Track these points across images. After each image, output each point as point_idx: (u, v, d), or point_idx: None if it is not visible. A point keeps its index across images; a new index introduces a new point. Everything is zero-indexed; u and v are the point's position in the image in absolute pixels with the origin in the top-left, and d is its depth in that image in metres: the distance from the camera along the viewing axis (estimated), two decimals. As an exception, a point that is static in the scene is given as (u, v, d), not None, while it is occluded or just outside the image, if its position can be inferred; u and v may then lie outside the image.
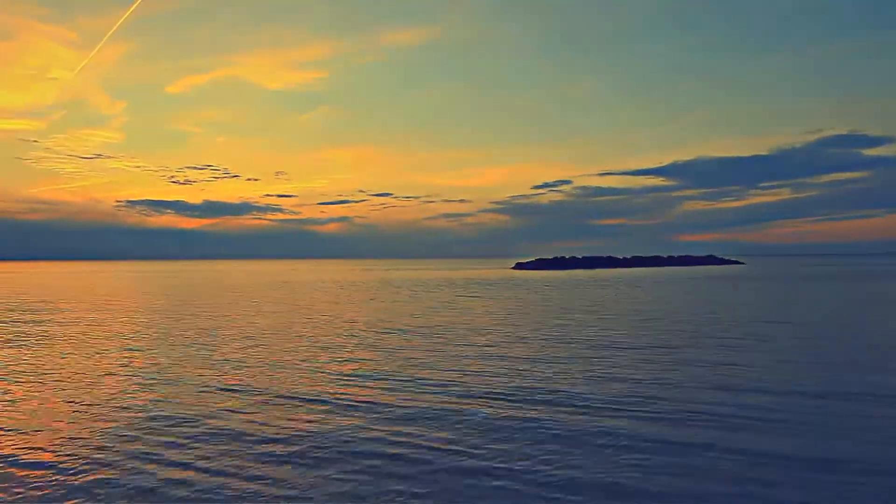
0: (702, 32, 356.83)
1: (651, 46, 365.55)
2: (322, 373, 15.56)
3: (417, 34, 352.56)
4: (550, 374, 15.03)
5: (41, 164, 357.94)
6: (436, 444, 9.49)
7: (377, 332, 23.69)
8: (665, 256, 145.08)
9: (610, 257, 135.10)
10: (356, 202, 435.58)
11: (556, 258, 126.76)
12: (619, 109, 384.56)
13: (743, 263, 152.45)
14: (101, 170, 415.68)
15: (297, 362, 17.11)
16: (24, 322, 28.61)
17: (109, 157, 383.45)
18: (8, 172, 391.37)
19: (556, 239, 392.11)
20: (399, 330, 24.52)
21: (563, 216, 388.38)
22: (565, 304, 36.32)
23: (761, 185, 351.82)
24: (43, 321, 28.91)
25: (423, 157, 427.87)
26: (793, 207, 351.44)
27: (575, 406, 11.81)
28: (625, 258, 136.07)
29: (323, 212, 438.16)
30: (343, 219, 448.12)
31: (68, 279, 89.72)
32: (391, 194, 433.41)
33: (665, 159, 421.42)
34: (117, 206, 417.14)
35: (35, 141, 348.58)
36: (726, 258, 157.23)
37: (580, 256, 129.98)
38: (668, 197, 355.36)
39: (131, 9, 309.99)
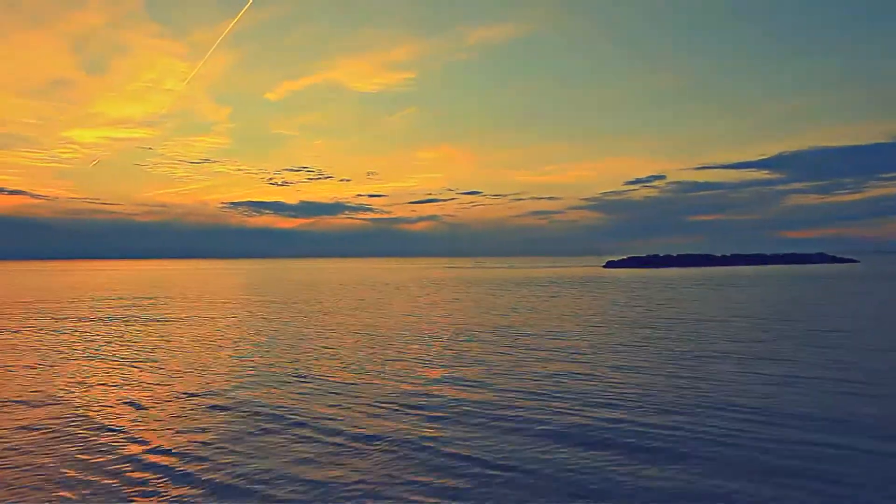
0: (809, 9, 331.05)
1: (751, 27, 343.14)
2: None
3: (504, 30, 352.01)
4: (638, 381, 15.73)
5: (156, 169, 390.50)
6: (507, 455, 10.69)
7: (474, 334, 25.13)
8: (769, 254, 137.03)
9: (707, 255, 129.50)
10: (445, 201, 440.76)
11: (649, 256, 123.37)
12: (717, 98, 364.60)
13: (857, 262, 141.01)
14: (208, 173, 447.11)
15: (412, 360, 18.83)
16: (153, 317, 32.57)
17: (215, 162, 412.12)
18: (128, 178, 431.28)
19: (649, 236, 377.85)
20: (495, 329, 25.85)
21: (657, 212, 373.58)
22: (657, 305, 36.18)
23: (881, 175, 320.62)
24: (186, 316, 32.79)
25: (512, 154, 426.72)
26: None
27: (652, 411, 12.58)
28: (723, 256, 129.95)
29: (413, 211, 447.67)
30: (432, 217, 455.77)
31: (195, 276, 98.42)
32: (480, 192, 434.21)
33: (769, 150, 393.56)
34: (222, 207, 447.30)
35: (150, 148, 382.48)
36: (839, 256, 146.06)
37: (675, 254, 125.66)
38: (771, 191, 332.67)
39: (234, 21, 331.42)
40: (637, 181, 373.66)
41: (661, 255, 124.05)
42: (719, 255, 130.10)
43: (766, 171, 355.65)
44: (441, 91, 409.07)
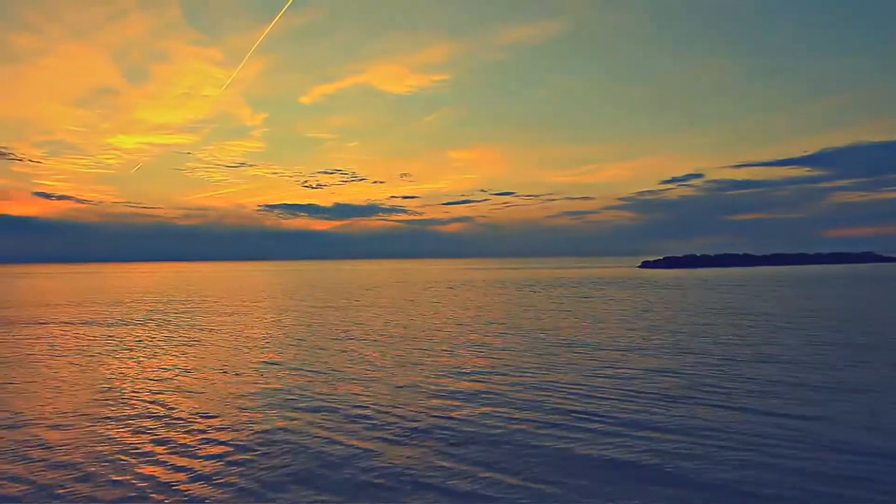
0: (853, 2, 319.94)
1: (791, 21, 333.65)
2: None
3: (536, 30, 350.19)
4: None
5: (194, 173, 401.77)
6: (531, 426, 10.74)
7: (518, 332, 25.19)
8: (812, 253, 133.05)
9: (746, 255, 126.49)
10: (478, 202, 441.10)
11: (686, 256, 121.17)
12: (756, 95, 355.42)
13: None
14: (244, 177, 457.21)
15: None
16: (198, 315, 33.50)
17: (251, 166, 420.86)
18: (168, 182, 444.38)
19: (686, 236, 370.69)
20: (529, 330, 25.87)
21: (694, 212, 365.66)
22: (695, 305, 35.60)
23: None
24: (233, 314, 33.67)
25: (545, 154, 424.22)
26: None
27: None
28: (764, 256, 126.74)
29: (446, 212, 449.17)
30: (465, 218, 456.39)
31: (232, 278, 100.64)
32: (513, 193, 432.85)
33: (811, 147, 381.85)
34: (258, 210, 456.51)
35: (189, 153, 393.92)
36: (888, 255, 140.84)
37: (712, 254, 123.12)
38: (814, 188, 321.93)
39: (268, 28, 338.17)
40: (673, 180, 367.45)
41: (699, 254, 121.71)
42: (759, 254, 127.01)
43: (809, 168, 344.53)
44: (474, 92, 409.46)
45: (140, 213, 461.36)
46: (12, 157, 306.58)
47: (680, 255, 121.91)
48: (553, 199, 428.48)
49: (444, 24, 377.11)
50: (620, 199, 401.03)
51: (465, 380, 15.13)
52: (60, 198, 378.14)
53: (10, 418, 12.00)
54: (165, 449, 10.03)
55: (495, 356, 18.52)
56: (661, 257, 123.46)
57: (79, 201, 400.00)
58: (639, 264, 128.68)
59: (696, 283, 61.50)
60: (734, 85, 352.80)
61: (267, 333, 25.14)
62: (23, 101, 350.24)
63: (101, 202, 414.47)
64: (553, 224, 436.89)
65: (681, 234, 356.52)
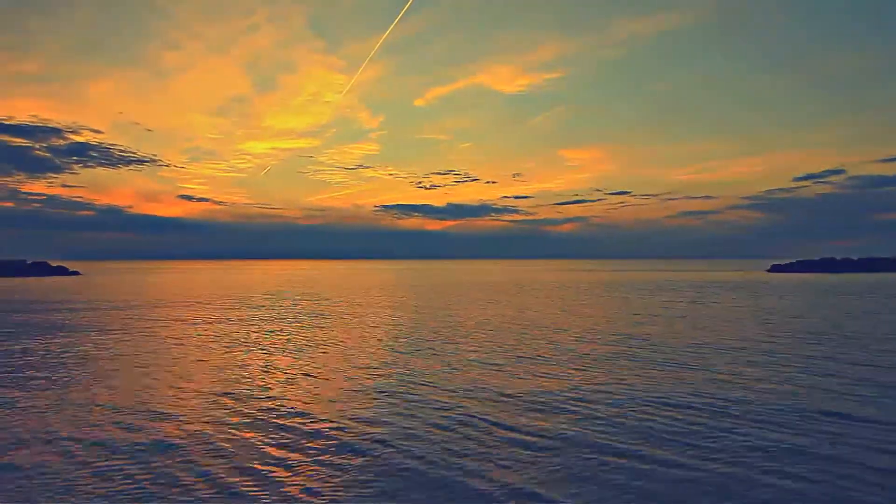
0: None
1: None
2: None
3: (653, 22, 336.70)
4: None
5: (316, 175, 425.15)
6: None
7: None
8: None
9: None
10: (593, 202, 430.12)
11: (822, 259, 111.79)
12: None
13: None
14: (362, 178, 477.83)
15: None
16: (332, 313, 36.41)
17: (368, 167, 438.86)
18: (292, 185, 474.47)
19: (820, 238, 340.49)
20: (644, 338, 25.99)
21: (833, 211, 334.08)
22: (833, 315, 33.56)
23: None
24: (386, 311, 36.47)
25: (664, 152, 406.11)
26: None
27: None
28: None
29: (559, 212, 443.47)
30: (579, 219, 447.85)
31: (368, 276, 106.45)
32: (629, 192, 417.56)
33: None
34: (375, 210, 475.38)
35: (311, 156, 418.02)
36: None
37: (855, 258, 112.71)
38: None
39: (385, 34, 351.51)
40: (809, 177, 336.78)
41: (839, 258, 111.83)
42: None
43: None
44: (588, 89, 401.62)
45: (267, 214, 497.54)
46: (161, 163, 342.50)
47: (816, 259, 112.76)
48: (672, 199, 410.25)
49: (557, 21, 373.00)
50: (746, 197, 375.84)
51: (566, 394, 15.90)
52: (200, 200, 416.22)
53: (137, 404, 14.25)
54: (282, 447, 10.34)
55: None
56: (793, 260, 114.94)
57: (216, 203, 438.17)
58: (767, 268, 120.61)
59: (834, 288, 57.10)
60: (881, 73, 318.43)
61: (396, 331, 27.13)
62: (170, 113, 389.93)
63: (234, 203, 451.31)
64: (672, 225, 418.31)
65: (817, 236, 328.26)
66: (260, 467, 9.26)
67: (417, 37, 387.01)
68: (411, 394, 13.95)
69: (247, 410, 12.55)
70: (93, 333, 24.96)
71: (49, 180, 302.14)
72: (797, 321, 28.65)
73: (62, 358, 18.94)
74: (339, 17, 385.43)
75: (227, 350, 20.58)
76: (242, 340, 22.99)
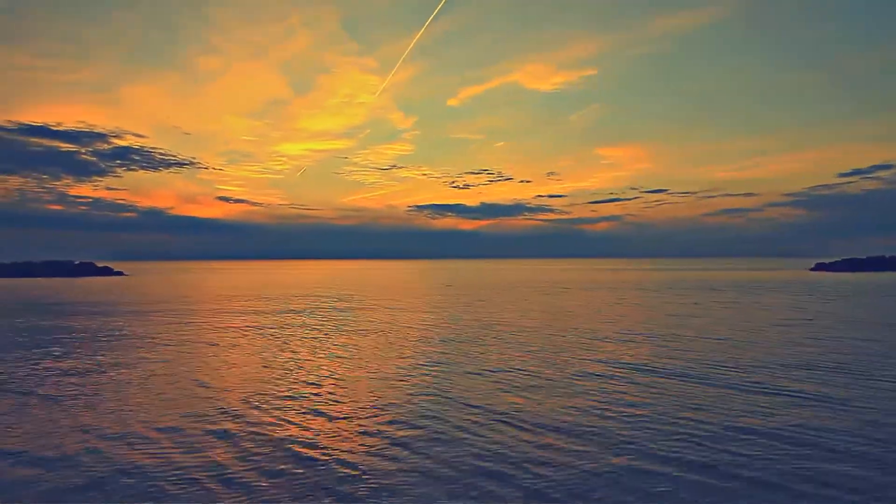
0: None
1: None
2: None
3: (689, 17, 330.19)
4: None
5: (350, 176, 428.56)
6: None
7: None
8: None
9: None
10: (628, 200, 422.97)
11: (870, 258, 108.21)
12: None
13: None
14: (395, 179, 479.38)
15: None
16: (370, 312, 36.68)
17: (402, 168, 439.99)
18: (327, 185, 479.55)
19: (867, 235, 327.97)
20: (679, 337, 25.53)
21: (881, 207, 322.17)
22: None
23: None
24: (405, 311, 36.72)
25: (701, 149, 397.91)
26: None
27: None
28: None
29: (594, 211, 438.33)
30: (614, 217, 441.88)
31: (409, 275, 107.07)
32: (666, 190, 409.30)
33: None
34: (408, 210, 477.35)
35: (346, 157, 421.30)
36: None
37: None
38: None
39: (418, 34, 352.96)
40: (855, 172, 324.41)
41: (888, 256, 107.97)
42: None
43: None
44: (624, 86, 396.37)
45: (303, 214, 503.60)
46: (200, 165, 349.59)
47: (863, 257, 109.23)
48: (710, 196, 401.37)
49: (592, 17, 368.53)
50: (787, 194, 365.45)
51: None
52: (237, 201, 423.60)
53: (186, 396, 14.59)
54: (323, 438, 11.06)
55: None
56: (838, 259, 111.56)
57: (252, 204, 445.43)
58: (810, 267, 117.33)
59: (884, 288, 55.19)
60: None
61: (434, 330, 27.21)
62: (209, 116, 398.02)
63: (270, 204, 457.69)
64: (710, 223, 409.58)
65: (864, 233, 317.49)
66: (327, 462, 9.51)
67: (450, 37, 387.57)
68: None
69: (304, 408, 12.94)
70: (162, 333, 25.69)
71: (94, 183, 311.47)
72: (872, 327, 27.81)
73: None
74: (371, 19, 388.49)
75: (290, 349, 21.00)
76: (304, 343, 23.39)
